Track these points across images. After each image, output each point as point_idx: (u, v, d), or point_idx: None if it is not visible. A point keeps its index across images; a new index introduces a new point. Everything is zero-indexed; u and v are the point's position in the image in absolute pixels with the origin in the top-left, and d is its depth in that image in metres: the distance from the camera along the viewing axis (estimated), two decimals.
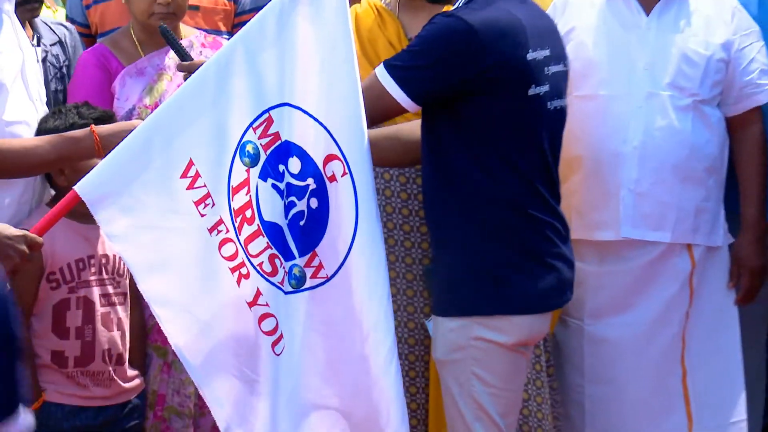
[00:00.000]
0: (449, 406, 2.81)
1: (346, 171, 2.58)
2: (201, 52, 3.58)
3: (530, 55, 2.62)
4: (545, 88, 2.66)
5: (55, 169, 3.13)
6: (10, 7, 3.23)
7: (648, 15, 3.51)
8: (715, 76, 3.46)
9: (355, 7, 3.55)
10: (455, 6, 2.93)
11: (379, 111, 2.67)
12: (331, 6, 2.70)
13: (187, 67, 2.95)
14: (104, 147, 2.83)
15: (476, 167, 2.64)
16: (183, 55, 3.09)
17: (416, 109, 2.67)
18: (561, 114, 2.82)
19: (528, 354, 2.90)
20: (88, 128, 2.96)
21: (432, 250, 3.06)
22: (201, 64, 2.78)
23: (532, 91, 2.60)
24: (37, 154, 3.06)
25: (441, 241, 2.85)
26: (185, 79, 2.92)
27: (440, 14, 2.92)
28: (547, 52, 2.70)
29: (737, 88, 3.49)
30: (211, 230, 2.64)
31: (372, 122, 2.66)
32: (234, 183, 2.72)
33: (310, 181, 2.64)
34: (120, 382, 3.36)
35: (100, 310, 3.28)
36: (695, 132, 3.44)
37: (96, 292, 3.24)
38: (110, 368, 3.32)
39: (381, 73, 2.65)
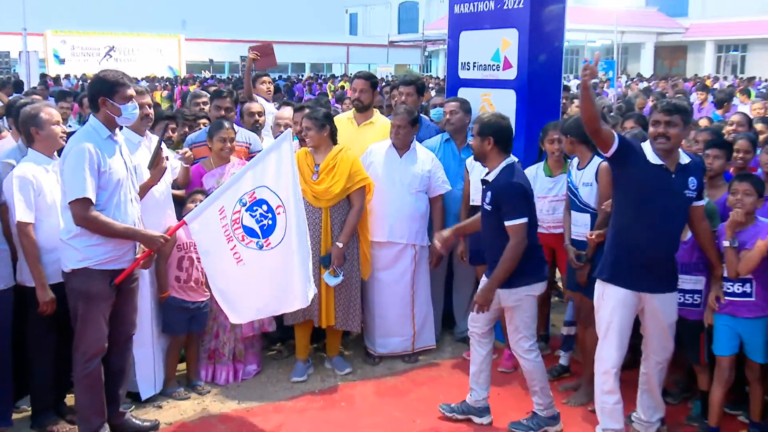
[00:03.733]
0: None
1: (285, 210, 4.83)
2: (237, 165, 5.53)
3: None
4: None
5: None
6: (122, 137, 4.54)
7: (401, 157, 5.88)
8: (424, 182, 5.86)
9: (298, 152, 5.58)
10: (497, 174, 4.76)
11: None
12: (286, 149, 4.89)
13: (151, 166, 4.73)
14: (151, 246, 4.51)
15: None
16: (154, 157, 4.74)
17: None
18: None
19: None
20: (162, 233, 4.62)
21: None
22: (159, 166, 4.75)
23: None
24: (126, 233, 4.40)
25: None
26: (149, 168, 4.78)
27: (504, 180, 4.71)
28: None
29: (432, 187, 5.91)
30: (225, 233, 4.78)
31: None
32: (234, 213, 4.78)
33: (268, 212, 4.84)
34: (198, 293, 5.34)
35: (195, 262, 5.27)
36: (417, 203, 5.86)
37: (194, 255, 5.23)
38: (192, 284, 5.32)
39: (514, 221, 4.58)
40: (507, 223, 4.64)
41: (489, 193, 4.77)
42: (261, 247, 4.91)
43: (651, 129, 4.40)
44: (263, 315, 5.29)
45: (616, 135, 4.35)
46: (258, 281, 4.98)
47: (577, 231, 5.27)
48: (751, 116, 8.51)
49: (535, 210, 4.96)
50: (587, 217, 5.20)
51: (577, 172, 5.32)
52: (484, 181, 4.87)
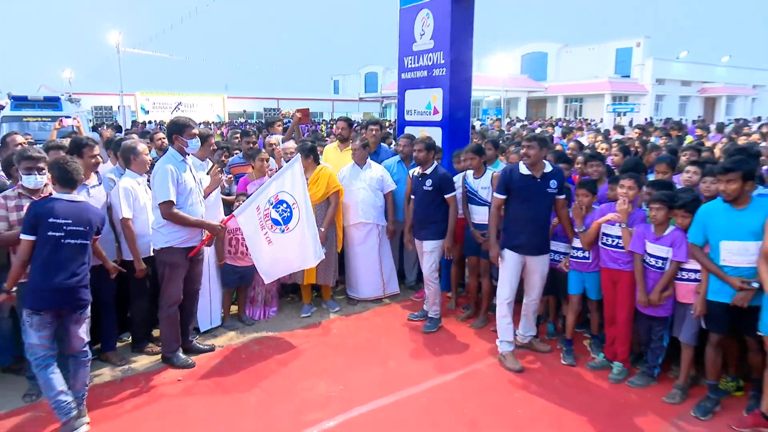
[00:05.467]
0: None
1: (298, 205, 4.87)
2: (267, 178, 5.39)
3: None
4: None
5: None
6: (191, 160, 4.52)
7: (362, 168, 5.80)
8: (379, 183, 5.77)
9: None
10: (433, 168, 5.10)
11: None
12: (297, 166, 4.94)
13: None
14: (213, 232, 4.50)
15: None
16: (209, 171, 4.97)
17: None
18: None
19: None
20: (219, 223, 4.64)
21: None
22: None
23: None
24: (196, 223, 4.37)
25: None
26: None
27: (441, 171, 5.12)
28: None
29: (384, 186, 5.82)
30: (259, 223, 4.84)
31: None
32: (265, 210, 4.81)
33: (287, 208, 4.88)
34: (245, 260, 5.27)
35: (241, 240, 5.19)
36: (375, 196, 5.77)
37: (240, 236, 5.15)
38: (239, 255, 5.29)
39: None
40: (447, 196, 5.09)
41: (429, 180, 5.11)
42: (283, 231, 4.91)
43: (521, 152, 4.49)
44: (287, 272, 5.25)
45: (499, 197, 4.54)
46: (282, 253, 4.94)
47: (479, 219, 5.27)
48: (585, 143, 8.78)
49: None
50: (485, 208, 5.20)
51: (474, 180, 5.30)
52: (423, 174, 5.18)
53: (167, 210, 4.19)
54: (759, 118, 29.06)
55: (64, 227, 3.47)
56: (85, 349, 3.64)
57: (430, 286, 5.26)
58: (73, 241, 3.51)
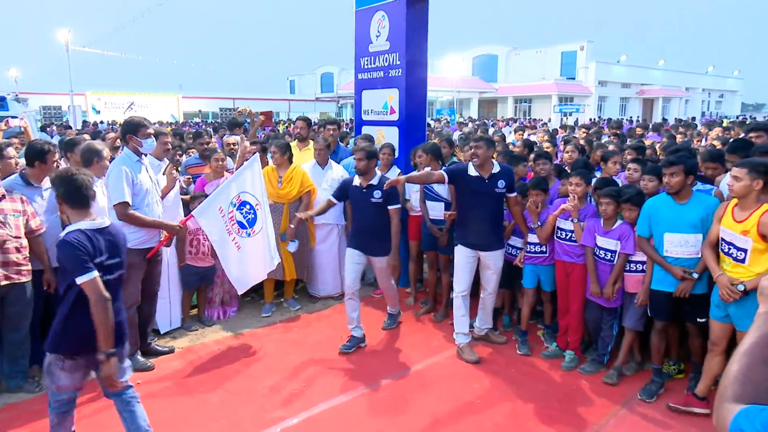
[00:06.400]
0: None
1: (261, 207, 4.75)
2: (226, 179, 5.17)
3: None
4: None
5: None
6: (147, 160, 4.34)
7: (323, 169, 5.73)
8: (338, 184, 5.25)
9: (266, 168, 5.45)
10: (379, 179, 4.59)
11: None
12: (257, 166, 4.80)
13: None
14: (171, 232, 4.32)
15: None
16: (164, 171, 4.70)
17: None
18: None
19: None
20: (177, 223, 4.41)
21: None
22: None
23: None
24: (153, 224, 4.22)
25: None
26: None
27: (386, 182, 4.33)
28: None
29: None
30: (225, 227, 4.70)
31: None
32: (229, 213, 4.63)
33: (250, 209, 4.74)
34: (206, 260, 5.19)
35: (202, 241, 5.12)
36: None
37: (201, 237, 5.07)
38: (200, 255, 5.17)
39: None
40: (391, 207, 4.61)
41: (378, 192, 4.60)
42: (249, 235, 4.77)
43: (468, 153, 4.50)
44: (258, 280, 5.03)
45: (444, 173, 4.43)
46: (251, 259, 4.82)
47: (436, 214, 5.30)
48: (535, 140, 8.94)
49: None
50: (441, 204, 5.26)
51: None
52: (369, 185, 4.64)
53: (123, 211, 4.06)
54: (693, 119, 30.40)
55: (103, 263, 2.77)
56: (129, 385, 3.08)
57: (389, 292, 5.08)
58: (111, 277, 2.83)
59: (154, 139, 4.29)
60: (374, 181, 4.61)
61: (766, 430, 0.90)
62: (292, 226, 5.32)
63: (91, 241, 2.73)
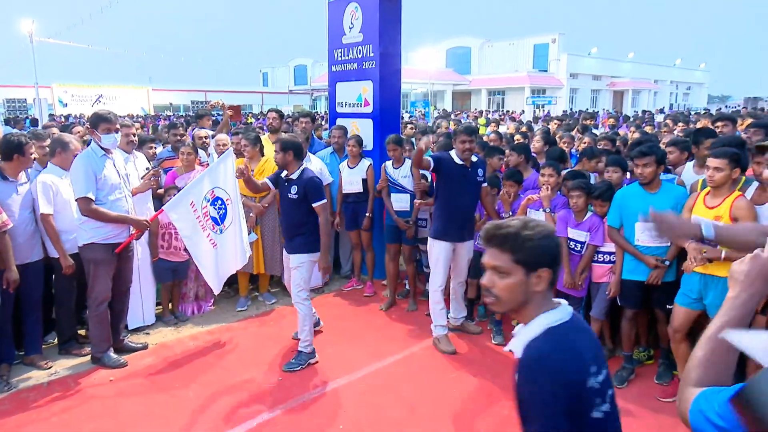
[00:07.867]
0: None
1: (231, 201, 4.70)
2: (198, 172, 5.12)
3: None
4: None
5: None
6: (116, 153, 4.27)
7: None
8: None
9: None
10: (299, 173, 4.16)
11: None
12: (230, 161, 4.67)
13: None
14: (138, 227, 4.25)
15: None
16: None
17: None
18: None
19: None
20: (146, 219, 4.33)
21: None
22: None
23: None
24: (118, 219, 4.12)
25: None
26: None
27: (307, 176, 4.12)
28: None
29: (323, 180, 5.25)
30: (199, 223, 4.58)
31: None
32: (203, 208, 4.53)
33: (222, 204, 4.65)
34: (178, 256, 5.12)
35: (174, 236, 5.03)
36: None
37: (173, 231, 4.97)
38: (172, 250, 5.09)
39: None
40: (315, 205, 4.14)
41: (295, 187, 4.18)
42: (221, 231, 4.70)
43: (459, 145, 4.47)
44: (228, 275, 4.93)
45: (431, 159, 4.42)
46: (225, 255, 4.74)
47: (400, 206, 5.34)
48: (507, 131, 9.06)
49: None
50: (407, 196, 5.32)
51: (394, 170, 5.38)
52: (288, 179, 4.22)
53: (85, 206, 3.99)
54: (662, 110, 31.02)
55: None
56: None
57: (300, 309, 4.31)
58: None
59: (115, 135, 4.15)
60: (294, 176, 4.19)
61: (724, 410, 0.91)
62: (252, 214, 5.26)
63: None
